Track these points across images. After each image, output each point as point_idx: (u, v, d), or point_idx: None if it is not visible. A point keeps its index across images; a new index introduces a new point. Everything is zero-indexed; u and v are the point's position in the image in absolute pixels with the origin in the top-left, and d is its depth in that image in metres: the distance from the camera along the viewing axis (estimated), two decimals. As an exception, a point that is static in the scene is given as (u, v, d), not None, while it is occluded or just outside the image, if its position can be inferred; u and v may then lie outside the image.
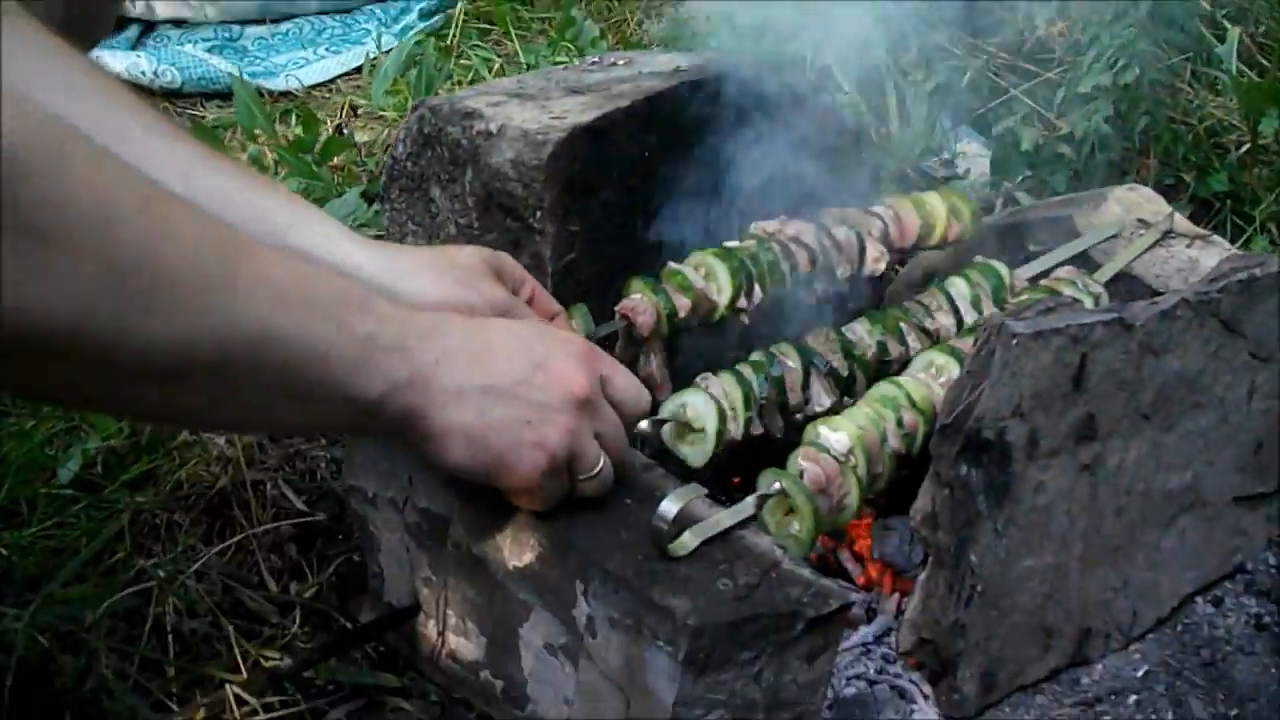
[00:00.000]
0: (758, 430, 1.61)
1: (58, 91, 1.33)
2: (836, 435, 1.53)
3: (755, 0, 2.07)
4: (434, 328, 1.23)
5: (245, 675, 1.51)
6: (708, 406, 1.56)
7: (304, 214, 1.47)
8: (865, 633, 1.58)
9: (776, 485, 1.46)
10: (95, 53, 2.95)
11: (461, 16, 3.30)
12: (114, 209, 0.95)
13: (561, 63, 2.78)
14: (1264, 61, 2.72)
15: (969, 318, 1.76)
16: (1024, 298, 1.73)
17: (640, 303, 1.63)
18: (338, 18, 3.52)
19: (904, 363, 1.70)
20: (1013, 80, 2.61)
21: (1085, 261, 1.88)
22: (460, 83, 2.99)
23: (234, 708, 1.42)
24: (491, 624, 1.42)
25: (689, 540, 1.32)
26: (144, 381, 1.02)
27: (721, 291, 1.67)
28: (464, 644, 1.46)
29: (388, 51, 3.16)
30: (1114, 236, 1.92)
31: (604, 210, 1.71)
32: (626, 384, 1.37)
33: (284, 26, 3.49)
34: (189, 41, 3.35)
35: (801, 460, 1.51)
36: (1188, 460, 1.60)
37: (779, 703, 1.32)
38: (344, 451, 1.76)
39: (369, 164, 2.71)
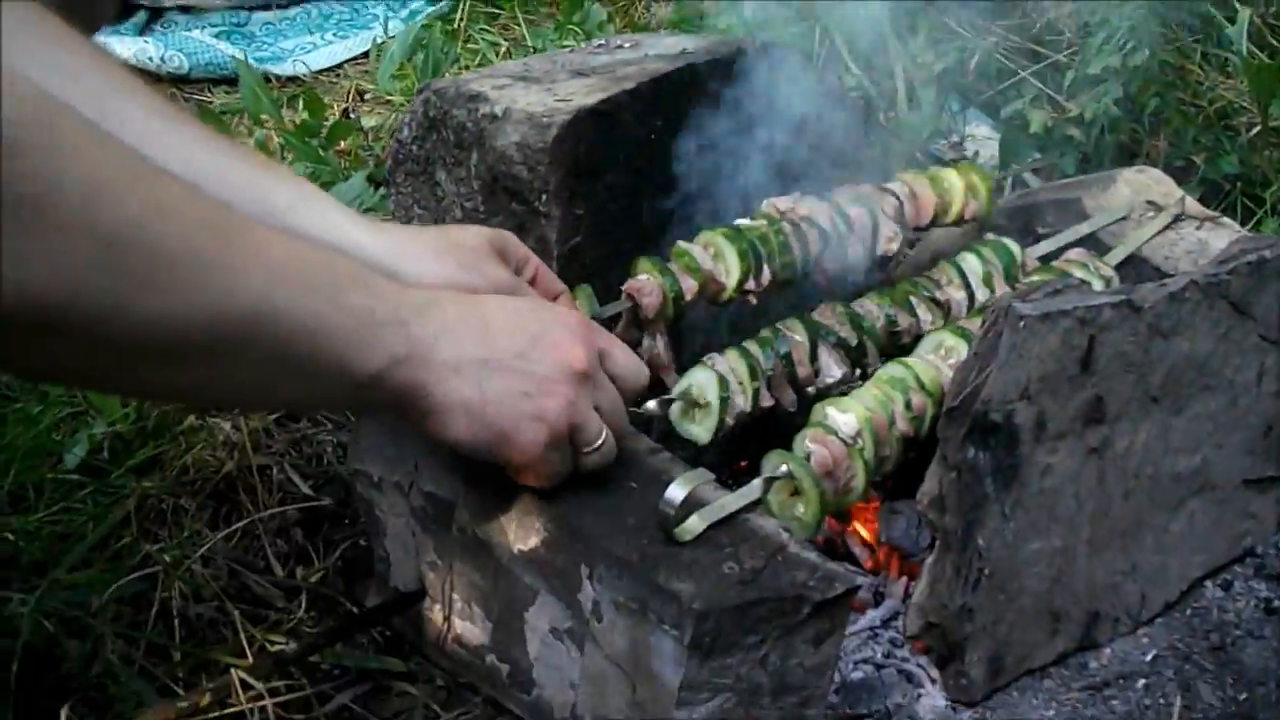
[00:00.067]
0: (767, 402, 1.60)
1: (58, 74, 1.33)
2: (844, 417, 1.52)
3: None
4: (431, 303, 1.23)
5: (251, 660, 1.51)
6: (709, 379, 1.55)
7: (305, 195, 1.47)
8: (872, 616, 1.58)
9: (783, 468, 1.45)
10: (102, 39, 2.95)
11: (469, 1, 3.29)
12: (107, 187, 0.95)
13: (568, 46, 2.77)
14: (1274, 43, 2.70)
15: (980, 294, 1.74)
16: (1035, 278, 1.72)
17: (646, 283, 1.61)
18: (345, 3, 3.52)
19: (915, 335, 1.69)
20: (1021, 62, 2.59)
21: (1095, 244, 1.88)
22: (467, 67, 2.98)
23: (239, 692, 1.41)
24: (497, 608, 1.42)
25: (695, 524, 1.32)
26: (139, 359, 1.02)
27: (729, 273, 1.65)
28: (470, 628, 1.46)
29: (394, 36, 3.15)
30: (1123, 219, 1.91)
31: (609, 193, 1.71)
32: (625, 359, 1.37)
33: (291, 12, 3.49)
34: (196, 27, 3.35)
35: (808, 443, 1.50)
36: (1197, 443, 1.59)
37: (785, 687, 1.31)
38: (350, 436, 1.75)
39: (375, 148, 2.71)
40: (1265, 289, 1.60)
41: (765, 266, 1.66)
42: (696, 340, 1.74)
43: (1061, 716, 1.48)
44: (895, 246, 1.76)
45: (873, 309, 1.70)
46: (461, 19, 3.25)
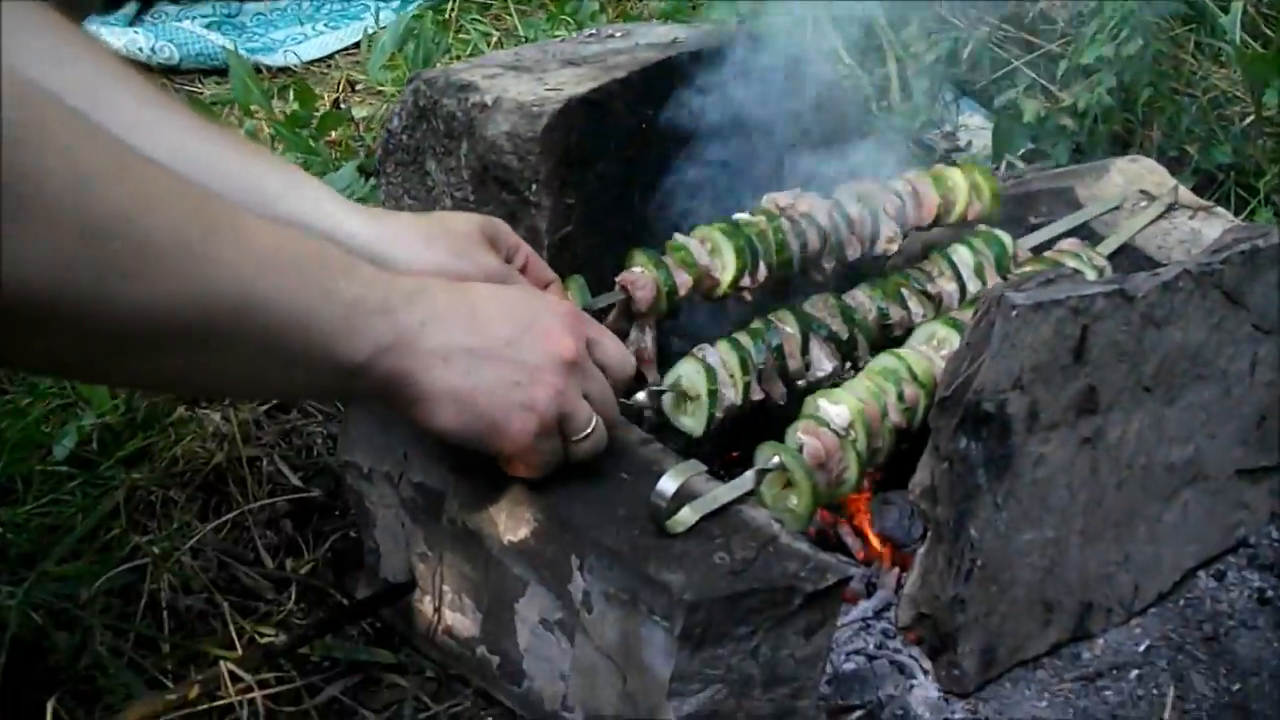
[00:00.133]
0: (757, 396, 1.59)
1: (48, 62, 1.33)
2: (836, 409, 1.52)
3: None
4: (419, 291, 1.22)
5: (240, 652, 1.50)
6: (699, 372, 1.55)
7: (296, 181, 1.46)
8: (864, 607, 1.57)
9: (775, 460, 1.44)
10: (92, 29, 2.93)
11: (460, -10, 3.29)
12: (93, 177, 0.94)
13: (560, 36, 2.76)
14: (1268, 32, 2.70)
15: (972, 285, 1.74)
16: (1027, 268, 1.72)
17: (640, 276, 1.61)
18: (336, -7, 3.51)
19: (907, 328, 1.68)
20: (1015, 52, 2.59)
21: (1088, 234, 1.87)
22: (458, 57, 2.98)
23: (229, 684, 1.40)
24: (487, 599, 1.42)
25: (687, 516, 1.31)
26: (125, 348, 1.01)
27: (725, 269, 1.64)
28: (460, 619, 1.45)
29: (385, 27, 3.14)
30: (1116, 208, 1.91)
31: (600, 183, 1.70)
32: (613, 348, 1.37)
33: (282, 2, 3.49)
34: (187, 18, 3.33)
35: (801, 434, 1.50)
36: (1190, 433, 1.59)
37: (776, 678, 1.31)
38: (339, 427, 1.75)
39: (366, 139, 2.70)
40: (1258, 278, 1.59)
41: (761, 263, 1.65)
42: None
43: (1054, 707, 1.47)
44: (895, 247, 1.75)
45: (864, 301, 1.69)
46: (453, 9, 3.24)
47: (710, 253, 1.65)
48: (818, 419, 1.50)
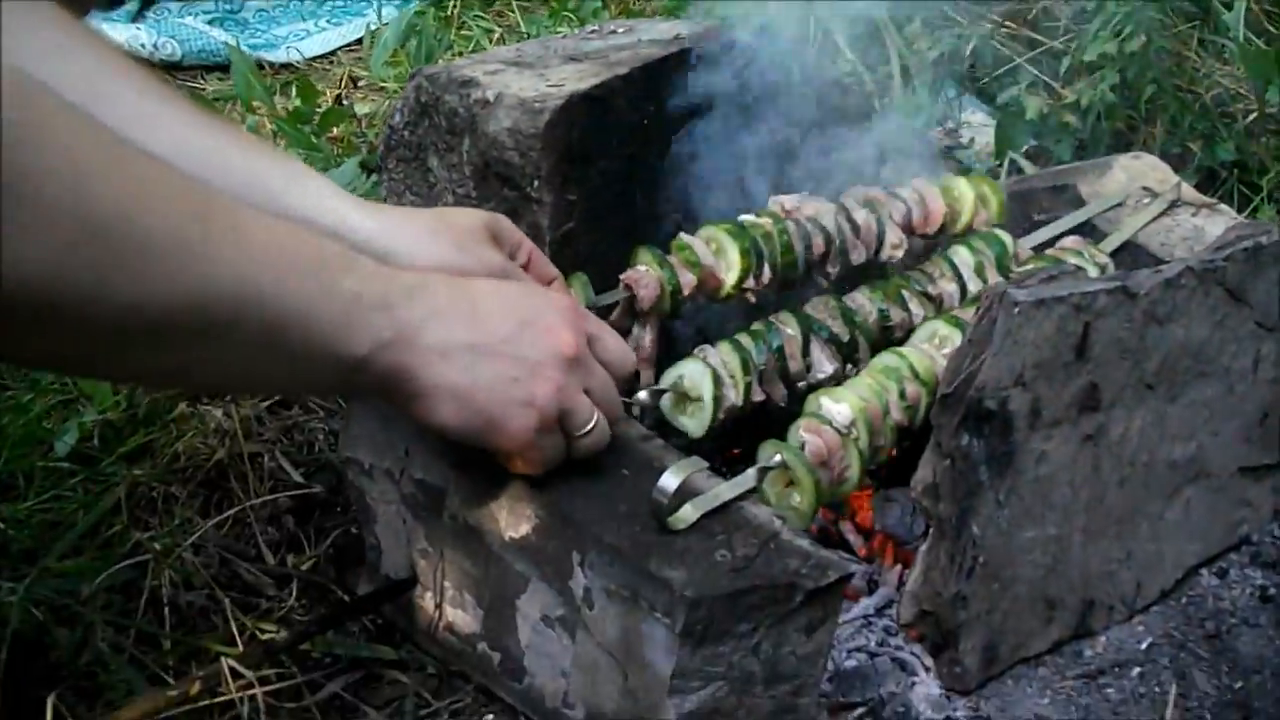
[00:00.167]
0: (758, 397, 1.59)
1: (51, 57, 1.32)
2: (838, 407, 1.51)
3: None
4: (419, 286, 1.22)
5: (242, 648, 1.50)
6: (703, 374, 1.55)
7: (299, 176, 1.46)
8: (866, 605, 1.57)
9: (777, 457, 1.44)
10: (95, 26, 2.93)
11: (463, -14, 3.28)
12: (88, 171, 0.94)
13: (562, 33, 2.76)
14: (1271, 29, 2.69)
15: (973, 285, 1.73)
16: (1028, 266, 1.72)
17: (645, 275, 1.60)
18: (338, -11, 3.51)
19: (907, 329, 1.68)
20: (1017, 49, 2.58)
21: (1091, 231, 1.87)
22: (461, 53, 2.97)
23: (229, 680, 1.40)
24: (488, 596, 1.41)
25: (689, 513, 1.31)
26: (125, 344, 1.01)
27: (730, 270, 1.64)
28: (461, 616, 1.45)
29: (388, 23, 3.13)
30: (1119, 205, 1.91)
31: (602, 179, 1.70)
32: (614, 344, 1.37)
33: (285, -2, 3.48)
34: (189, 14, 3.33)
35: (803, 432, 1.50)
36: (1192, 431, 1.58)
37: (778, 675, 1.31)
38: (341, 423, 1.75)
39: (368, 135, 2.69)
40: (1261, 276, 1.59)
41: (766, 265, 1.65)
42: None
43: (1056, 705, 1.47)
44: (900, 254, 1.74)
45: (865, 303, 1.69)
46: (455, 5, 3.24)
47: (715, 253, 1.64)
48: (820, 417, 1.50)
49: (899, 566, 1.63)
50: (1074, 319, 1.43)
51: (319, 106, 2.74)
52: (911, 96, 2.54)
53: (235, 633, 1.53)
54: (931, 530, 1.45)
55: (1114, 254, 1.80)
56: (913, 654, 1.50)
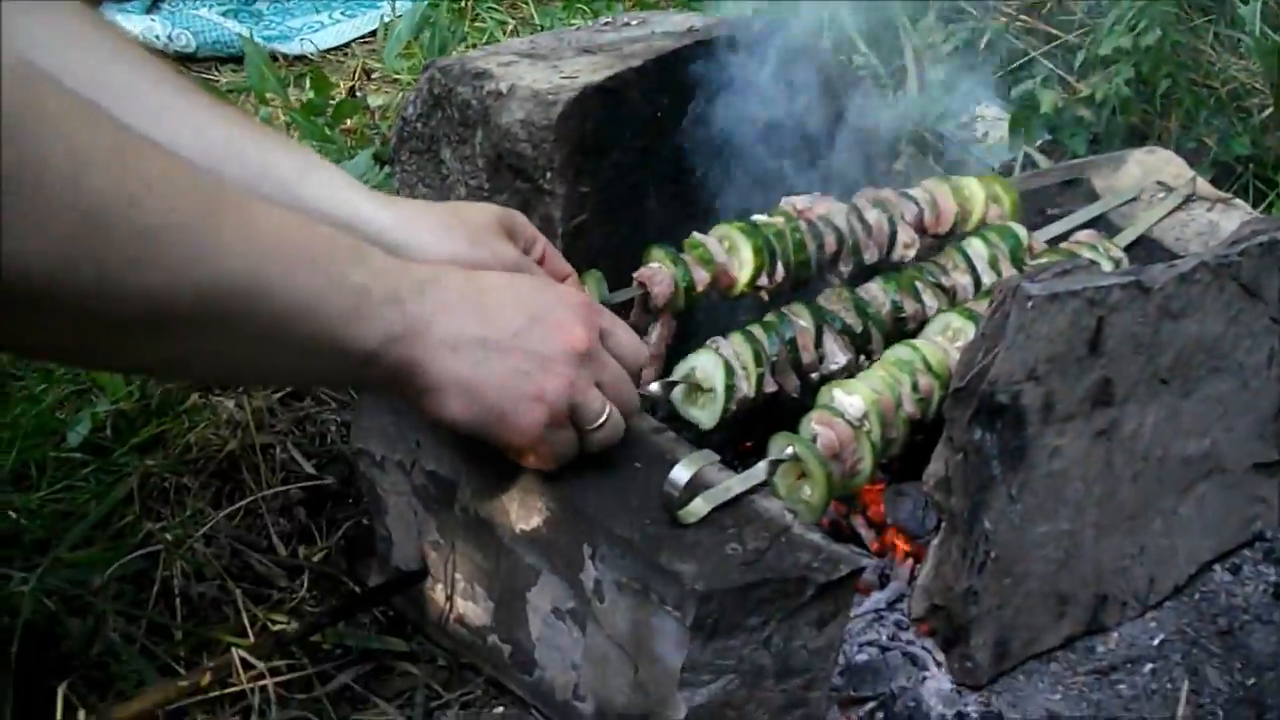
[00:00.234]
0: (771, 388, 1.59)
1: (65, 46, 1.32)
2: (851, 399, 1.51)
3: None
4: (430, 280, 1.22)
5: (253, 639, 1.50)
6: (715, 365, 1.54)
7: (313, 167, 1.45)
8: (878, 599, 1.56)
9: (789, 450, 1.44)
10: (110, 18, 2.94)
11: (477, -22, 3.28)
12: (92, 160, 0.94)
13: (577, 25, 2.75)
14: (1288, 24, 2.68)
15: (987, 278, 1.73)
16: (1042, 260, 1.71)
17: (658, 272, 1.60)
18: (353, -19, 3.51)
19: (921, 321, 1.68)
20: (1032, 42, 2.58)
21: (1105, 225, 1.86)
22: (474, 45, 2.97)
23: (240, 671, 1.40)
24: (499, 588, 1.41)
25: (700, 506, 1.31)
26: (127, 334, 1.01)
27: (743, 267, 1.64)
28: (472, 608, 1.45)
29: (402, 15, 3.13)
30: (1133, 200, 1.90)
31: (615, 171, 1.69)
32: (626, 338, 1.36)
33: (299, -10, 3.48)
34: (204, 5, 3.33)
35: (815, 424, 1.49)
36: (1206, 426, 1.58)
37: (789, 669, 1.30)
38: (353, 414, 1.75)
39: (382, 127, 2.69)
40: (1276, 271, 1.58)
41: (779, 263, 1.65)
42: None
43: (1068, 700, 1.47)
44: (912, 253, 1.74)
45: (878, 294, 1.69)
46: (469, -3, 3.24)
47: (728, 251, 1.64)
48: (832, 409, 1.50)
49: (910, 561, 1.62)
50: (1088, 313, 1.43)
51: (332, 98, 2.74)
52: (926, 90, 2.54)
53: (246, 624, 1.53)
54: (943, 524, 1.45)
55: (1128, 249, 1.80)
56: (924, 648, 1.50)
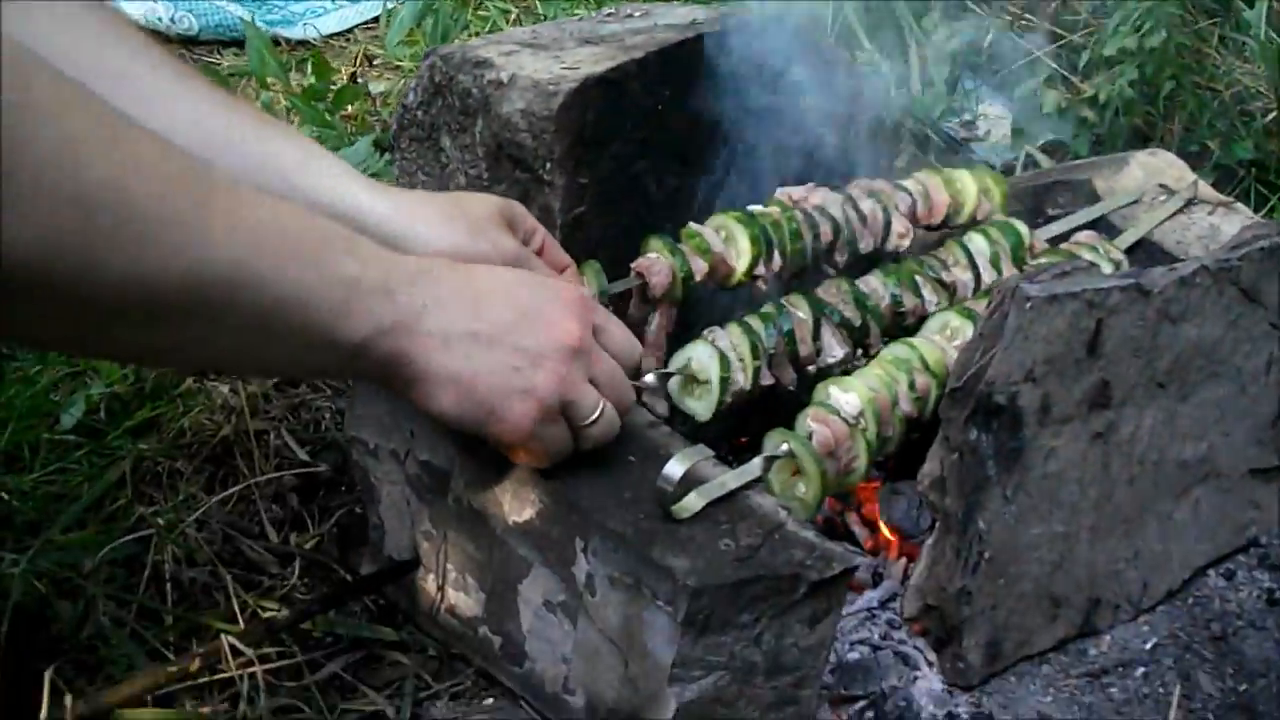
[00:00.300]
0: (767, 381, 1.58)
1: (64, 31, 1.32)
2: (847, 397, 1.51)
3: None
4: (422, 272, 1.21)
5: (243, 626, 1.49)
6: (711, 356, 1.54)
7: (313, 156, 1.44)
8: (870, 597, 1.56)
9: (784, 447, 1.43)
10: (112, 2, 2.93)
11: (480, -33, 3.27)
12: (81, 145, 0.93)
13: (579, 15, 2.75)
14: (1293, 27, 2.68)
15: (987, 275, 1.72)
16: (1043, 260, 1.70)
17: (656, 262, 1.60)
18: (356, -34, 3.49)
19: (920, 316, 1.67)
20: (1037, 41, 2.57)
21: (1106, 227, 1.86)
22: (477, 33, 2.96)
23: (229, 658, 1.40)
24: (491, 579, 1.41)
25: (694, 502, 1.31)
26: (114, 321, 1.00)
27: (740, 257, 1.63)
28: (463, 599, 1.45)
29: (405, 1, 3.12)
30: (1135, 202, 1.90)
31: (615, 163, 1.69)
32: (619, 334, 1.35)
33: (303, -26, 3.47)
34: (207, -13, 3.32)
35: (810, 421, 1.49)
36: (1203, 431, 1.58)
37: (780, 666, 1.30)
38: (348, 402, 1.74)
39: (382, 113, 2.69)
40: (1276, 276, 1.58)
41: (776, 252, 1.64)
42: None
43: (1059, 703, 1.46)
44: (907, 242, 1.74)
45: (878, 288, 1.68)
46: (473, -15, 3.23)
47: (725, 240, 1.64)
48: (828, 407, 1.49)
49: (904, 560, 1.62)
50: (1087, 315, 1.42)
51: (334, 84, 2.73)
52: (929, 87, 2.53)
53: (237, 610, 1.53)
54: (937, 524, 1.45)
55: (1129, 251, 1.79)
56: (916, 648, 1.50)
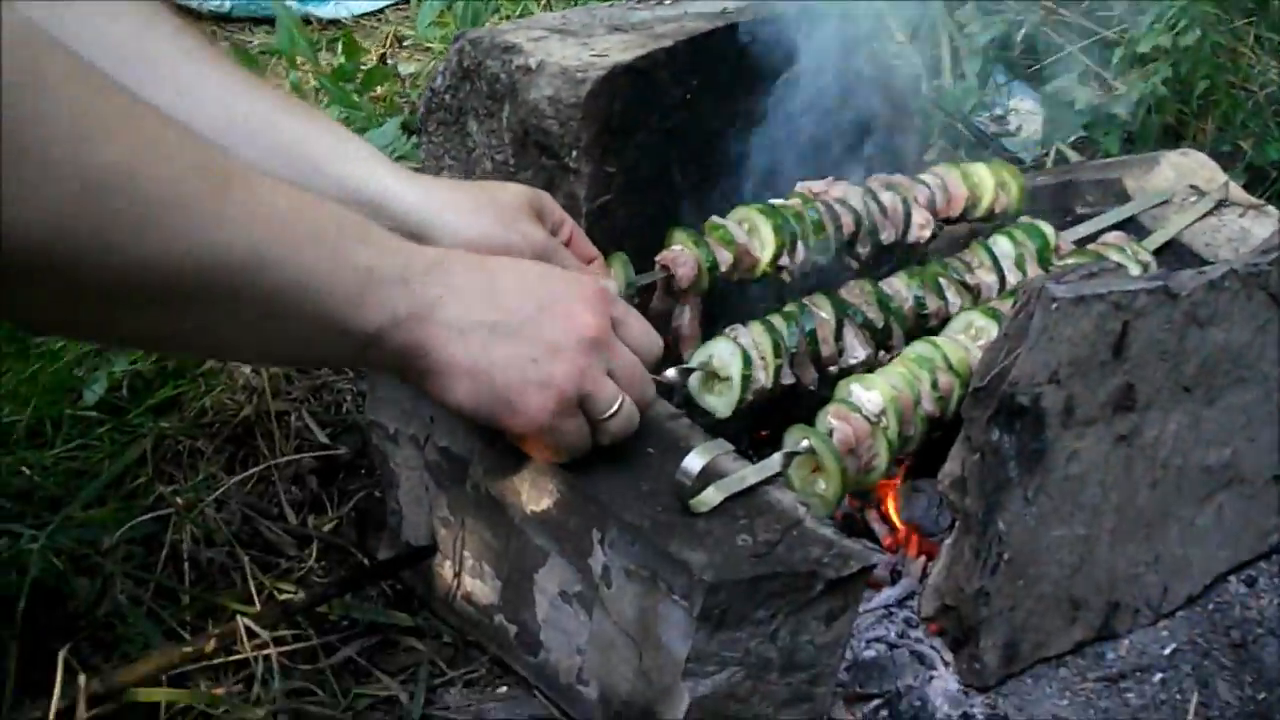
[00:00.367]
0: (788, 380, 1.58)
1: (95, 15, 1.32)
2: (869, 395, 1.50)
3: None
4: (439, 263, 1.20)
5: (259, 607, 1.49)
6: (733, 354, 1.53)
7: (344, 143, 1.44)
8: (888, 595, 1.55)
9: (805, 443, 1.43)
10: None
11: (513, -51, 3.26)
12: (94, 127, 0.92)
13: (609, 2, 2.74)
14: (1331, 28, 2.65)
15: (1012, 277, 1.72)
16: (1069, 261, 1.69)
17: (681, 254, 1.60)
18: (389, -53, 3.49)
19: (943, 318, 1.67)
20: (1069, 37, 2.55)
21: (1135, 228, 1.84)
22: (508, 16, 2.96)
23: (245, 640, 1.40)
24: (507, 568, 1.41)
25: (712, 496, 1.30)
26: (125, 306, 0.99)
27: (764, 248, 1.63)
28: (479, 586, 1.45)
29: (436, -18, 3.12)
30: (1165, 202, 1.88)
31: (641, 152, 1.68)
32: (639, 329, 1.33)
33: (337, -46, 3.47)
34: (239, -34, 3.32)
35: (831, 418, 1.48)
36: (1228, 436, 1.56)
37: (795, 663, 1.30)
38: (367, 385, 1.74)
39: (411, 95, 2.68)
40: (1306, 282, 1.56)
41: (799, 243, 1.64)
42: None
43: (1075, 706, 1.46)
44: (928, 234, 1.74)
45: (901, 289, 1.67)
46: (505, -32, 3.22)
47: (748, 232, 1.63)
48: (849, 404, 1.49)
49: (923, 559, 1.61)
50: (1113, 317, 1.41)
51: (363, 64, 2.73)
52: (960, 81, 2.52)
53: (253, 591, 1.53)
54: (957, 524, 1.44)
55: (1157, 252, 1.78)
56: (932, 648, 1.49)
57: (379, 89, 2.67)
